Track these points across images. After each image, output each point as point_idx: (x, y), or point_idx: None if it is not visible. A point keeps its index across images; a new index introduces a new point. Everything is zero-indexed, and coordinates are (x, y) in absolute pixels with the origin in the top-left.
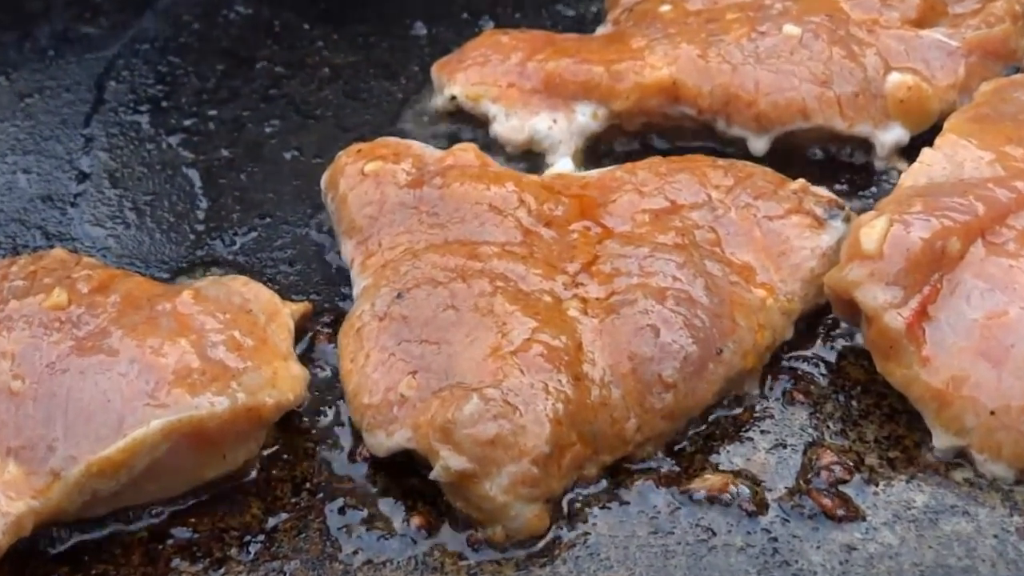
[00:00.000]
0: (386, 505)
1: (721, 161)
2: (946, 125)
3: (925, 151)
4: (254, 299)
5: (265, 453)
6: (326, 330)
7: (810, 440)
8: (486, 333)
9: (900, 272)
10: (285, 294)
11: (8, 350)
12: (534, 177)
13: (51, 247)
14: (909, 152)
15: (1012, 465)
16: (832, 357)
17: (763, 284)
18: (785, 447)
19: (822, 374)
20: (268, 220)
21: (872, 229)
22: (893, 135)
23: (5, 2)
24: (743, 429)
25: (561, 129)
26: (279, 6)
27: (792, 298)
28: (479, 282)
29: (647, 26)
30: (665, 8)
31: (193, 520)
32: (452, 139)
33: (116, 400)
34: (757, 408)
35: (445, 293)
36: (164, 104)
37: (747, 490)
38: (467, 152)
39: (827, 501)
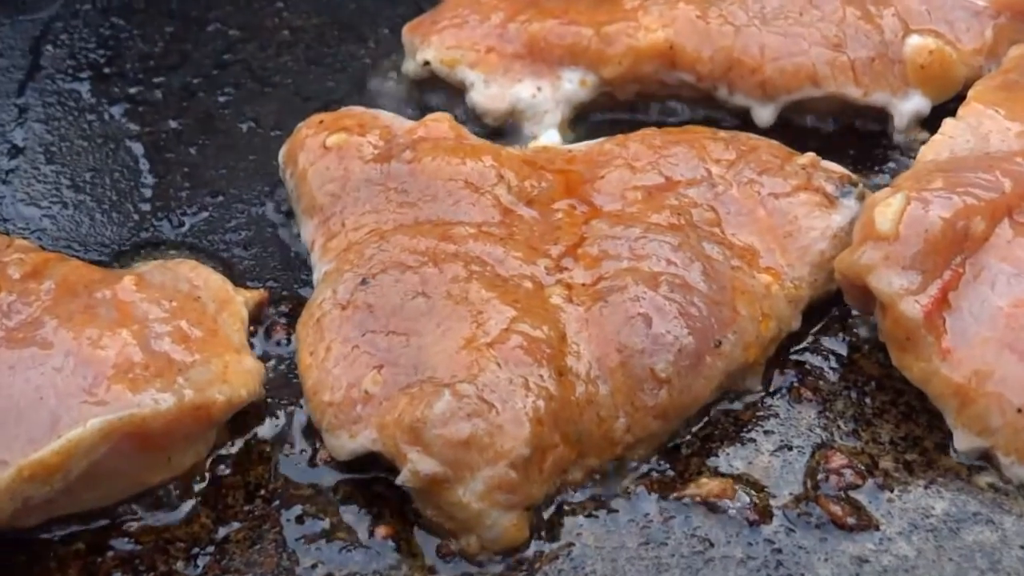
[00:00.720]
0: (349, 513)
1: (722, 133)
2: (970, 93)
3: (947, 122)
4: (203, 285)
5: (215, 456)
6: (283, 320)
7: (818, 441)
8: (460, 323)
9: (918, 255)
10: (238, 280)
11: None
12: (515, 151)
13: None
14: (930, 123)
15: None
16: (843, 350)
17: (768, 269)
18: (791, 449)
19: (832, 368)
20: (220, 199)
21: (888, 208)
22: (912, 104)
23: None
24: (744, 429)
25: (546, 98)
26: None
27: (799, 284)
28: (452, 266)
29: None
30: None
31: (135, 530)
32: (424, 109)
33: (50, 397)
34: (760, 406)
35: (415, 279)
36: (106, 71)
37: (748, 496)
38: (441, 123)
39: (837, 508)
